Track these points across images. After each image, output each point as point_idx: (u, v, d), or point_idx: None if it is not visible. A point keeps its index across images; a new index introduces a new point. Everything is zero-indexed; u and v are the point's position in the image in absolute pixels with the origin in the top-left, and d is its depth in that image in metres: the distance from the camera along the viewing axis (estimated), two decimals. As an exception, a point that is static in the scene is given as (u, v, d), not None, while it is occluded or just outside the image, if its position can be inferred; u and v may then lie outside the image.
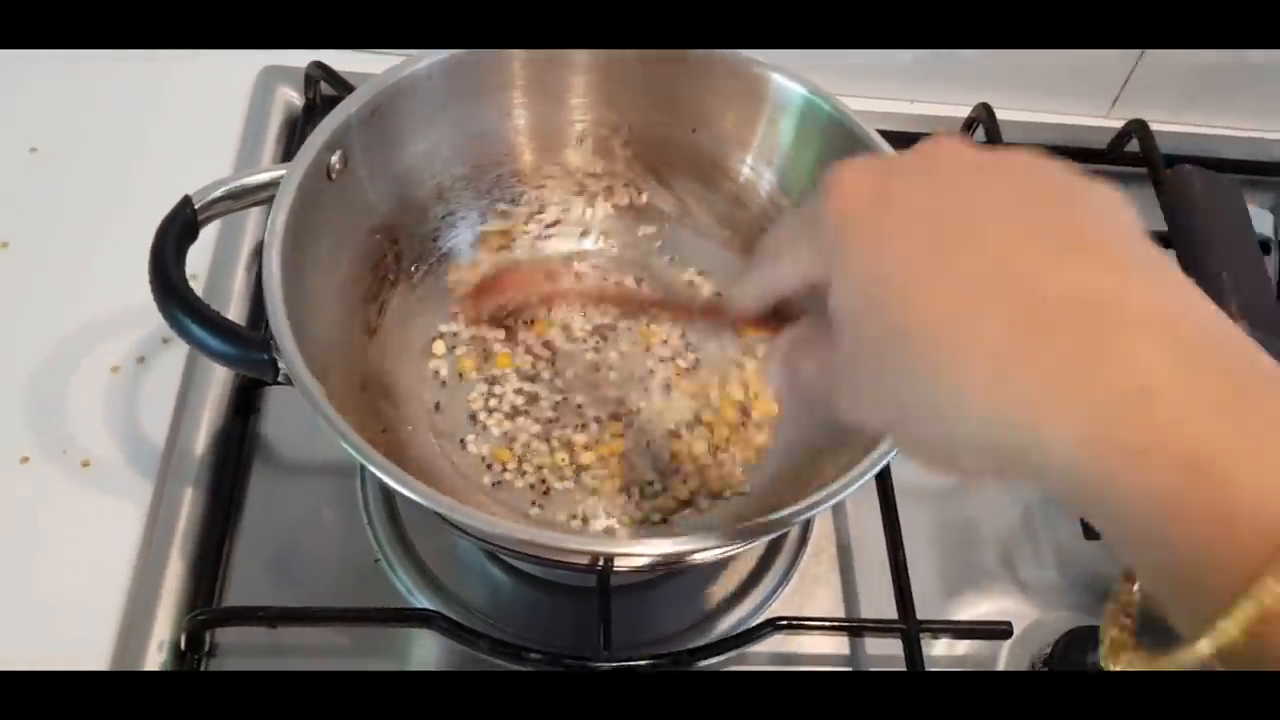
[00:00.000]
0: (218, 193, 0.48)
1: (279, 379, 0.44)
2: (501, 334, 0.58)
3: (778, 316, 0.38)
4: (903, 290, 0.29)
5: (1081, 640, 0.53)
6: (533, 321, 0.58)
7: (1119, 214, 0.29)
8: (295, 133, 0.70)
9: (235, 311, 0.61)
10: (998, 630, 0.53)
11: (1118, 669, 0.29)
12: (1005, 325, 0.27)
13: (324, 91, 0.69)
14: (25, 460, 0.55)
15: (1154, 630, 0.28)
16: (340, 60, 0.69)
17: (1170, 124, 0.78)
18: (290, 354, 0.42)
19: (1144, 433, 0.24)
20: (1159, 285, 0.27)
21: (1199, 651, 0.24)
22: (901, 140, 0.52)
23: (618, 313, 0.59)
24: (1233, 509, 0.23)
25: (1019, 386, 0.26)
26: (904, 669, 0.52)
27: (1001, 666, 0.55)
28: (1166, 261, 0.28)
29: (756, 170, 0.58)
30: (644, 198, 0.61)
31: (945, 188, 0.30)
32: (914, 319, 0.28)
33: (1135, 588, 0.29)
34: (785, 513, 0.42)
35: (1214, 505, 0.23)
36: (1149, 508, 0.24)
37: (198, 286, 0.61)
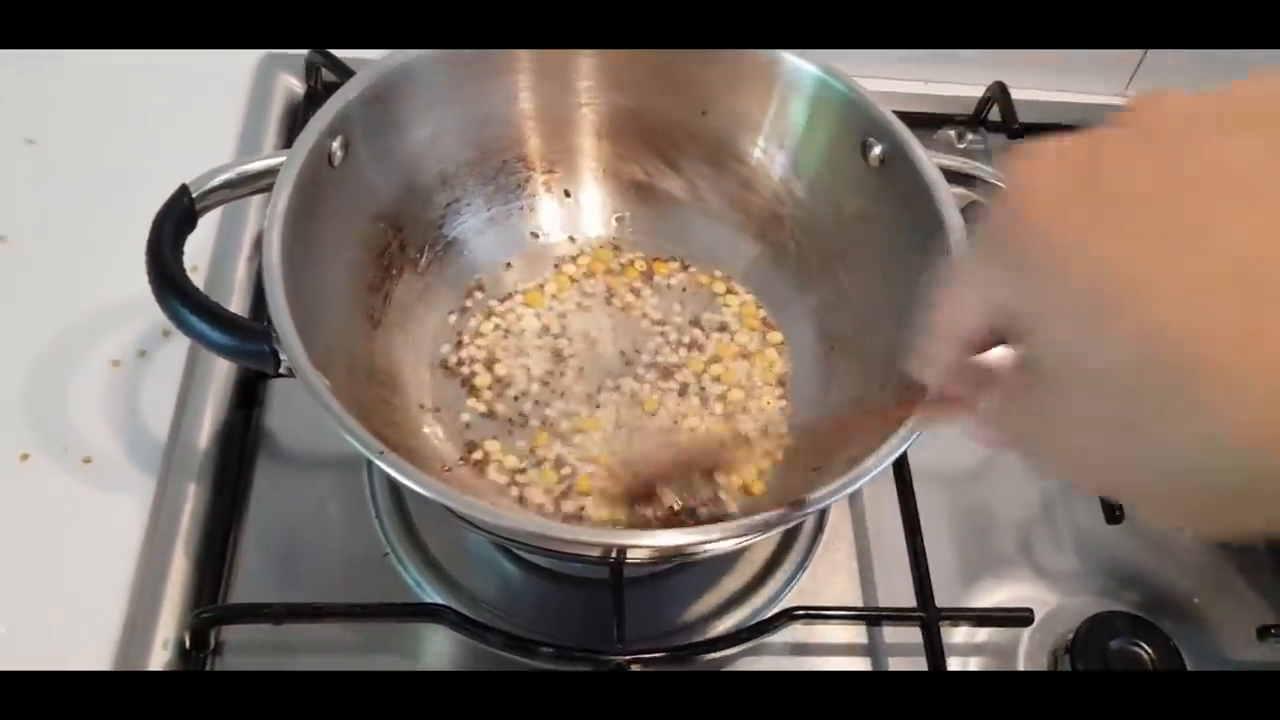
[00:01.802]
0: (216, 181, 0.46)
1: (281, 371, 0.43)
2: (507, 329, 0.57)
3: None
4: (1138, 302, 0.22)
5: (1104, 626, 0.52)
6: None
7: None
8: (297, 120, 0.69)
9: (237, 304, 0.60)
10: (1018, 617, 0.52)
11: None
12: None
13: (325, 78, 0.68)
14: (25, 457, 0.54)
15: None
16: (342, 48, 0.68)
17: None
18: (292, 345, 0.41)
19: None
20: None
21: None
22: (915, 121, 0.51)
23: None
24: None
25: None
26: (923, 657, 0.51)
27: (1023, 654, 0.54)
28: None
29: (768, 153, 0.57)
30: (654, 182, 0.60)
31: (1173, 156, 0.23)
32: (1159, 339, 0.22)
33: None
34: (801, 501, 0.41)
35: None
36: None
37: (199, 279, 0.61)
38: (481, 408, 0.54)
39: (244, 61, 0.71)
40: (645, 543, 0.42)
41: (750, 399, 0.55)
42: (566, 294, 0.58)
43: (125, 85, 0.70)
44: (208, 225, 0.62)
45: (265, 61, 0.71)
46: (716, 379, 0.56)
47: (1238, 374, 0.21)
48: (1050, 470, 0.28)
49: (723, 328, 0.58)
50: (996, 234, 0.26)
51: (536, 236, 0.60)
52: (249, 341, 0.43)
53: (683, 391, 0.56)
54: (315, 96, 0.67)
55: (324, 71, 0.68)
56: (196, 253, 0.61)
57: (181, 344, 0.58)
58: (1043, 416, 0.26)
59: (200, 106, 0.69)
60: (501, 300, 0.58)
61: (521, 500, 0.51)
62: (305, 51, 0.67)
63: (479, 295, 0.58)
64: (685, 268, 0.60)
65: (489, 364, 0.55)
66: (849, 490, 0.42)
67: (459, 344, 0.56)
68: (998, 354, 0.29)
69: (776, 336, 0.58)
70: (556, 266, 0.59)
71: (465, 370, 0.55)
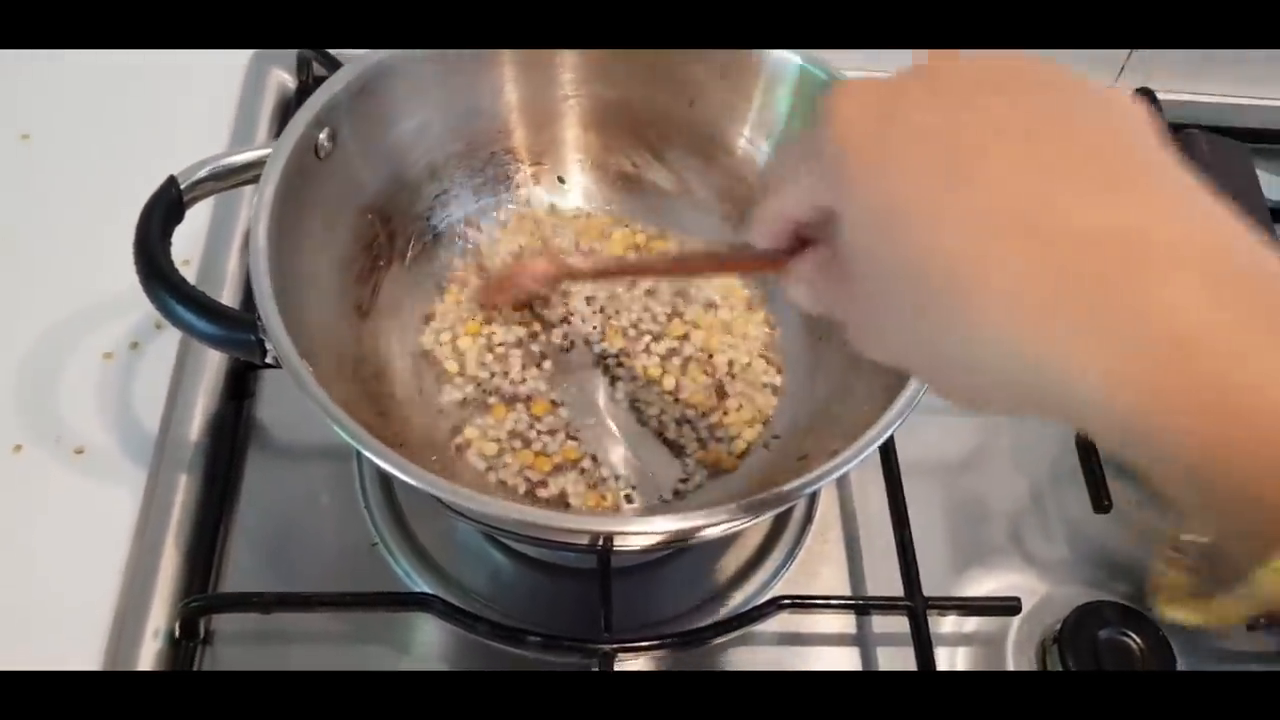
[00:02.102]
0: (203, 172, 0.47)
1: (268, 360, 0.43)
2: (500, 316, 0.57)
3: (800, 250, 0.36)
4: (915, 224, 0.27)
5: (1093, 615, 0.52)
6: (548, 301, 0.57)
7: (1141, 129, 0.27)
8: (289, 115, 0.68)
9: (229, 298, 0.61)
10: (1006, 606, 0.52)
11: (1177, 615, 0.29)
12: (1027, 261, 0.25)
13: (316, 73, 0.68)
14: (18, 449, 0.54)
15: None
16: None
17: (1178, 92, 0.77)
18: (277, 334, 0.41)
19: (1184, 377, 0.23)
20: (1189, 213, 0.25)
21: (1259, 591, 0.24)
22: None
23: (631, 281, 0.58)
24: None
25: (1045, 327, 0.25)
26: (911, 647, 0.51)
27: (1011, 643, 0.54)
28: (1194, 183, 0.26)
29: (754, 143, 0.57)
30: (642, 173, 0.60)
31: (959, 108, 0.28)
32: (929, 256, 0.26)
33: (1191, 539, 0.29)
34: (788, 487, 0.41)
35: (1264, 448, 0.22)
36: (1194, 453, 0.23)
37: (190, 272, 0.61)
38: (461, 394, 0.54)
39: (236, 58, 0.71)
40: (632, 529, 0.43)
41: (737, 365, 0.56)
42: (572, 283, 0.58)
43: (119, 81, 0.70)
44: (200, 220, 0.63)
45: (257, 58, 0.71)
46: (702, 348, 0.56)
47: (983, 288, 0.26)
48: (852, 336, 0.32)
49: (710, 305, 0.58)
50: (813, 147, 0.30)
51: (524, 227, 0.60)
52: (236, 331, 0.43)
53: (668, 358, 0.56)
54: (307, 91, 0.67)
55: (315, 66, 0.68)
56: (189, 247, 0.62)
57: (173, 336, 0.58)
58: (846, 289, 0.31)
59: (193, 102, 0.69)
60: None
61: (504, 485, 0.51)
62: (295, 46, 0.68)
63: (462, 281, 0.58)
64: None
65: (473, 350, 0.55)
66: (836, 475, 0.42)
67: (444, 331, 0.56)
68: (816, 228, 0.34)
69: (759, 315, 0.58)
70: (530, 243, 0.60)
71: (448, 357, 0.55)
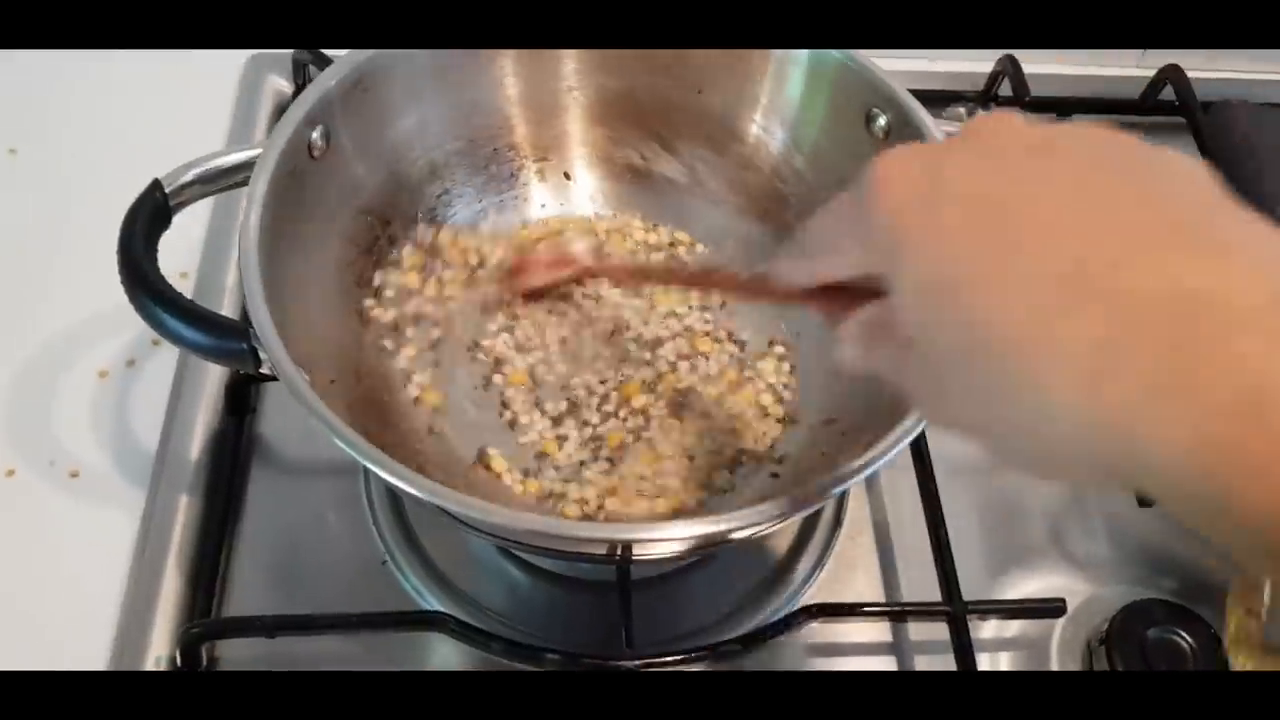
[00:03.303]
0: (190, 175, 0.45)
1: (262, 370, 0.41)
2: (505, 315, 0.54)
3: (834, 292, 0.34)
4: (974, 295, 0.26)
5: (1140, 614, 0.50)
6: (567, 296, 0.55)
7: (1203, 188, 0.26)
8: (285, 121, 0.67)
9: (229, 311, 0.59)
10: (1050, 608, 0.50)
11: (1245, 666, 0.27)
12: (1094, 328, 0.24)
13: (313, 76, 0.66)
14: (10, 473, 0.53)
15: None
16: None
17: (1204, 70, 0.74)
18: (270, 340, 0.39)
19: (1261, 444, 0.22)
20: (1263, 271, 0.24)
21: None
22: (924, 99, 0.49)
23: (651, 290, 0.56)
24: None
25: (1115, 394, 0.24)
26: (951, 654, 0.49)
27: (1055, 646, 0.52)
28: (1268, 236, 0.25)
29: (768, 129, 0.55)
30: (651, 166, 0.58)
31: (1008, 171, 0.27)
32: (992, 327, 0.26)
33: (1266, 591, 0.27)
34: (816, 486, 0.39)
35: None
36: (1273, 523, 0.22)
37: (188, 286, 0.59)
38: (472, 400, 0.52)
39: (230, 65, 0.70)
40: (650, 536, 0.40)
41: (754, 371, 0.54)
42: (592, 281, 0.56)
43: (108, 92, 0.69)
44: (197, 233, 0.61)
45: (252, 63, 0.70)
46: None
47: (1048, 356, 0.25)
48: (910, 401, 0.32)
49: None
50: (857, 215, 0.29)
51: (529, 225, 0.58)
52: (227, 339, 0.41)
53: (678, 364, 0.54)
54: (303, 96, 0.66)
55: (311, 70, 0.66)
56: (186, 260, 0.60)
57: (170, 353, 0.57)
58: (901, 354, 0.30)
59: (186, 112, 0.68)
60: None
61: (519, 496, 0.49)
62: (291, 51, 0.66)
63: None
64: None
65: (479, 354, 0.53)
66: (865, 474, 0.39)
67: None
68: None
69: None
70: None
71: (456, 364, 0.53)
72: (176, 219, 0.46)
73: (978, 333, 0.26)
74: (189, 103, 0.68)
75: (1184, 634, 0.49)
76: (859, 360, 0.33)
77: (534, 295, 0.54)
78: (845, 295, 0.33)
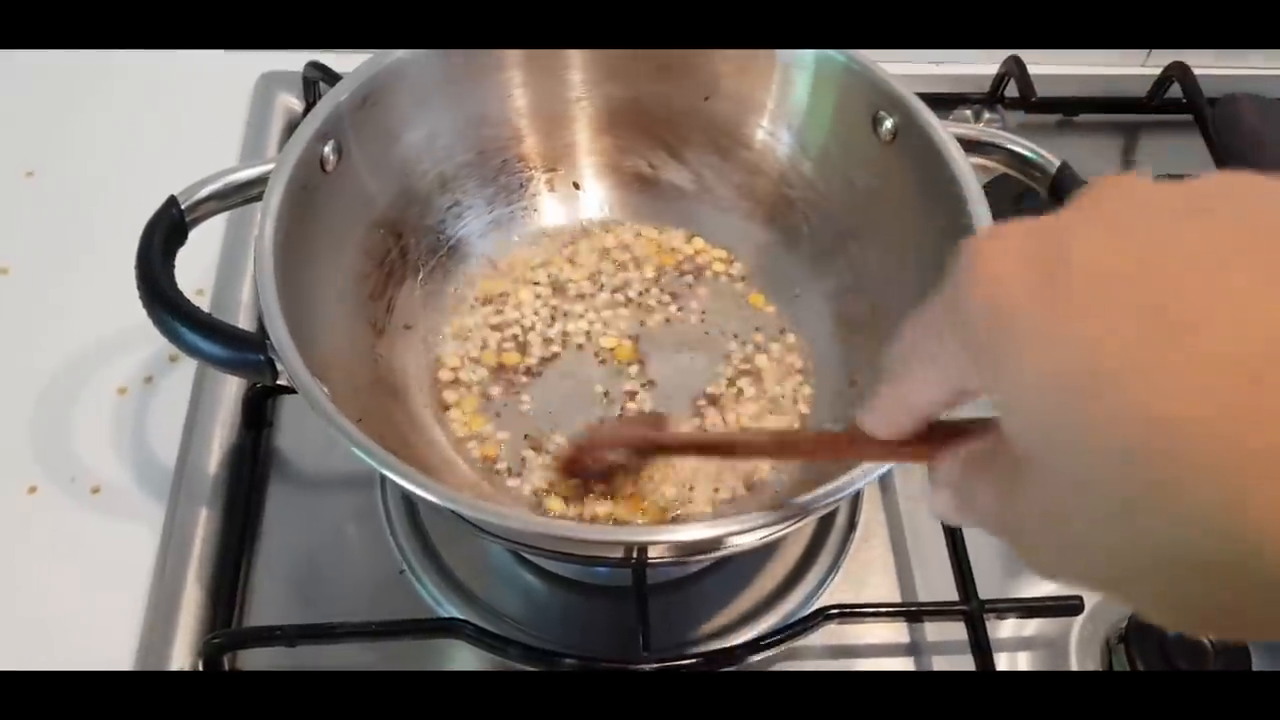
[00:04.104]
0: (205, 191, 0.45)
1: (279, 382, 0.42)
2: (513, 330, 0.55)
3: (937, 436, 0.29)
4: (1123, 388, 0.20)
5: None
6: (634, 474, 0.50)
7: None
8: (296, 138, 0.68)
9: (245, 324, 0.59)
10: (1068, 606, 0.50)
11: None
12: None
13: (323, 93, 0.67)
14: (33, 490, 0.53)
15: None
16: (339, 61, 0.67)
17: (1211, 68, 0.74)
18: (287, 352, 0.40)
19: None
20: None
21: None
22: (929, 103, 0.49)
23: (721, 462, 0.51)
24: None
25: None
26: (969, 655, 0.48)
27: (1074, 644, 0.51)
28: None
29: (775, 134, 0.55)
30: (659, 174, 0.58)
31: (1143, 240, 0.22)
32: (1150, 425, 0.20)
33: None
34: (829, 487, 0.39)
35: None
36: None
37: (204, 302, 0.60)
38: (489, 413, 0.52)
39: (241, 83, 0.71)
40: (665, 538, 0.40)
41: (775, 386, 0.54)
42: (568, 282, 0.57)
43: (122, 112, 0.70)
44: (212, 250, 0.62)
45: (263, 80, 0.70)
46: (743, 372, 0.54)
47: (1255, 467, 0.19)
48: (1021, 552, 0.25)
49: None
50: (950, 316, 0.24)
51: (540, 235, 0.58)
52: (245, 351, 0.41)
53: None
54: (314, 112, 0.67)
55: (321, 87, 0.67)
56: (203, 277, 0.61)
57: (187, 368, 0.57)
58: (1008, 494, 0.25)
59: (199, 131, 0.68)
60: (504, 300, 0.56)
61: (534, 503, 0.49)
62: (301, 68, 0.67)
63: (482, 297, 0.56)
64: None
65: (496, 367, 0.54)
66: (878, 474, 0.39)
67: (466, 348, 0.54)
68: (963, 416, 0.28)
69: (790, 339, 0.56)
70: (553, 260, 0.58)
71: (472, 376, 0.53)
72: (194, 236, 0.46)
73: (1130, 436, 0.20)
74: (201, 121, 0.69)
75: (1204, 631, 0.49)
76: (956, 508, 0.28)
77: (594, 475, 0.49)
78: (949, 436, 0.29)
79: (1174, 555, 0.21)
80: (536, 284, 0.56)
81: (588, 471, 0.48)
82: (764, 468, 0.51)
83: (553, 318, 0.55)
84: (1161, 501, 0.20)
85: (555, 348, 0.54)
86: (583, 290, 0.56)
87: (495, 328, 0.55)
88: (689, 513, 0.49)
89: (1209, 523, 0.19)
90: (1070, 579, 0.24)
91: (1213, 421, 0.19)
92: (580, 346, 0.54)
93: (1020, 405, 0.23)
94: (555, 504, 0.49)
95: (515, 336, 0.55)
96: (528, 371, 0.54)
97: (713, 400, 0.53)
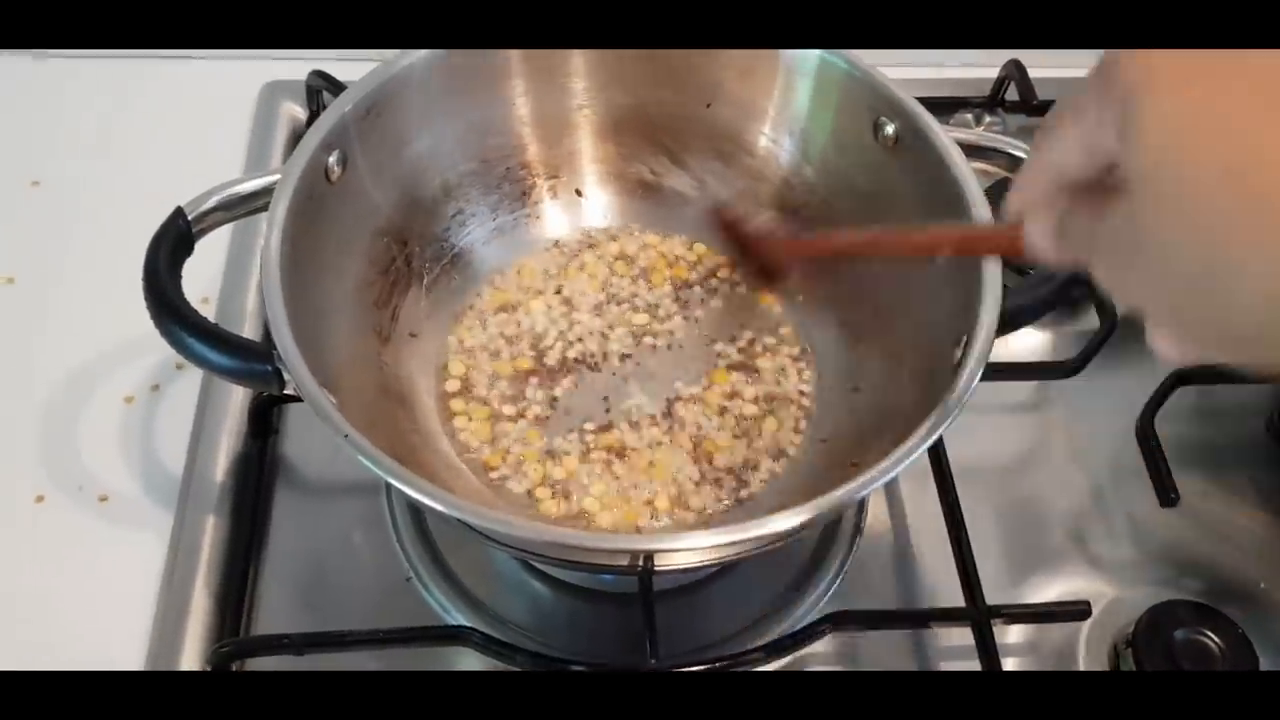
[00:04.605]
0: (211, 202, 0.46)
1: (286, 391, 0.42)
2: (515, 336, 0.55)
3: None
4: (1241, 127, 0.25)
5: (1167, 616, 0.50)
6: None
7: None
8: (301, 147, 0.68)
9: (250, 333, 0.59)
10: (1075, 611, 0.50)
11: None
12: None
13: (326, 102, 0.67)
14: (40, 499, 0.53)
15: None
16: (342, 70, 0.67)
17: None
18: (294, 362, 0.40)
19: None
20: None
21: None
22: (930, 106, 0.49)
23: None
24: None
25: None
26: (976, 660, 0.48)
27: (1082, 649, 0.51)
28: None
29: (776, 141, 0.55)
30: (662, 181, 0.58)
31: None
32: (1255, 155, 0.24)
33: None
34: (837, 493, 0.39)
35: None
36: None
37: (210, 311, 0.60)
38: (492, 422, 0.52)
39: (245, 92, 0.71)
40: (672, 546, 0.40)
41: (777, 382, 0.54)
42: (576, 291, 0.57)
43: (127, 123, 0.70)
44: (218, 259, 0.62)
45: (267, 90, 0.71)
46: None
47: None
48: (1123, 292, 0.29)
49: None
50: (1099, 74, 0.28)
51: (544, 243, 0.59)
52: (251, 361, 0.42)
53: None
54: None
55: (325, 95, 0.67)
56: (208, 286, 0.61)
57: (194, 377, 0.57)
58: (1109, 225, 0.28)
59: (204, 140, 0.69)
60: (511, 309, 0.56)
61: (539, 508, 0.49)
62: (305, 77, 0.67)
63: (488, 305, 0.56)
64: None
65: (498, 375, 0.54)
66: (886, 479, 0.39)
67: (470, 356, 0.54)
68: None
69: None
70: (562, 270, 0.58)
71: (479, 385, 0.53)
72: (200, 245, 0.46)
73: (1237, 157, 0.24)
74: (206, 130, 0.69)
75: (1212, 635, 0.49)
76: (1052, 232, 0.32)
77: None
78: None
79: (1254, 280, 0.25)
80: (543, 293, 0.57)
81: (744, 238, 0.53)
82: (756, 482, 0.51)
83: (562, 328, 0.55)
84: (1248, 219, 0.24)
85: (564, 357, 0.55)
86: (592, 300, 0.56)
87: (506, 338, 0.55)
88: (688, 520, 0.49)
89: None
90: (1143, 298, 0.28)
91: None
92: (589, 356, 0.55)
93: (1148, 138, 0.26)
94: (550, 506, 0.50)
95: (525, 345, 0.55)
96: (537, 380, 0.54)
97: (710, 404, 0.53)
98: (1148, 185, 0.27)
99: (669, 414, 0.53)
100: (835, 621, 0.48)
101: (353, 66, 0.67)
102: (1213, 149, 0.25)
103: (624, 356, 0.55)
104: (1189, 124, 0.26)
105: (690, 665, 0.47)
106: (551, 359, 0.54)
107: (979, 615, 0.49)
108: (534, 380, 0.54)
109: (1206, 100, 0.25)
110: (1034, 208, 0.33)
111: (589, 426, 0.52)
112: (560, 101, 0.55)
